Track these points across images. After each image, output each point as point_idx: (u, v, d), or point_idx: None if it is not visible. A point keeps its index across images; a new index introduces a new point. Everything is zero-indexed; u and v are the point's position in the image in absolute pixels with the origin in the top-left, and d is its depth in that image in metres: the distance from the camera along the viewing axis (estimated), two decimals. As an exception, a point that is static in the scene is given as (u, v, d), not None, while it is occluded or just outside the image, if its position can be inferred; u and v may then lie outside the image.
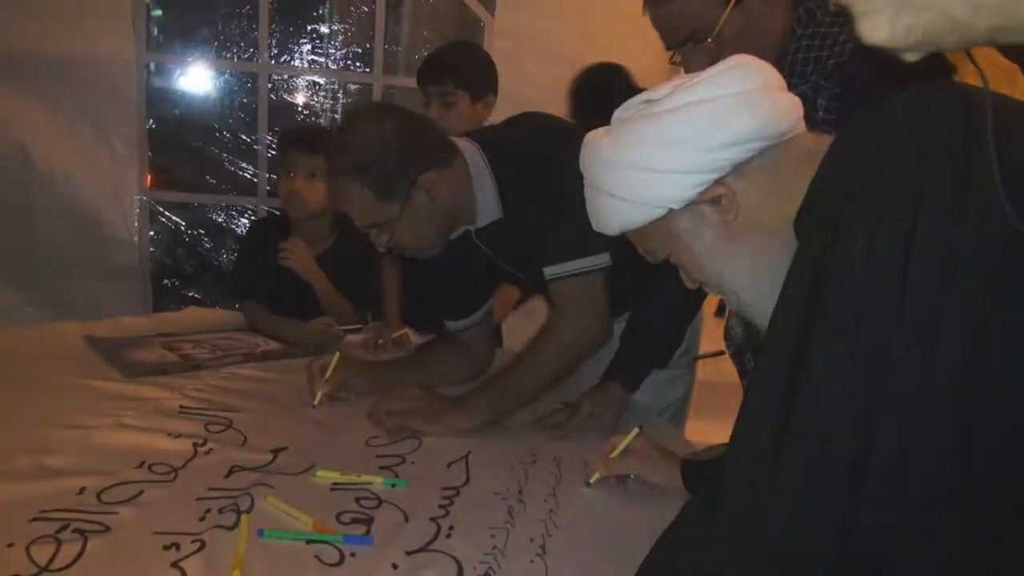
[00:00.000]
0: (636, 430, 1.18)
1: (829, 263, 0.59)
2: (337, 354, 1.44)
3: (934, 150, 0.57)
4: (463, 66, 1.96)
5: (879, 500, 0.55)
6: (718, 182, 0.76)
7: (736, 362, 1.37)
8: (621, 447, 1.17)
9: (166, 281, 3.61)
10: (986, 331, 0.53)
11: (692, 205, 0.78)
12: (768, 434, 0.60)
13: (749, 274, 0.77)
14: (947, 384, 0.54)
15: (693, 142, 0.74)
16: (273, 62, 3.08)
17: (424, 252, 1.39)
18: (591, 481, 1.17)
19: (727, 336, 1.39)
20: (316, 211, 2.02)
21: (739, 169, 0.76)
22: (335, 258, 2.05)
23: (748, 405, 0.64)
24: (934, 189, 0.56)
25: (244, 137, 3.42)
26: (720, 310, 1.42)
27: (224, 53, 3.30)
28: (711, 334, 1.60)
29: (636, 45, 2.82)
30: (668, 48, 1.23)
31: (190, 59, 3.27)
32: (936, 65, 1.15)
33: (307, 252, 2.01)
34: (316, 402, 1.40)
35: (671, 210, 0.78)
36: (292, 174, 1.99)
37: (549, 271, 1.34)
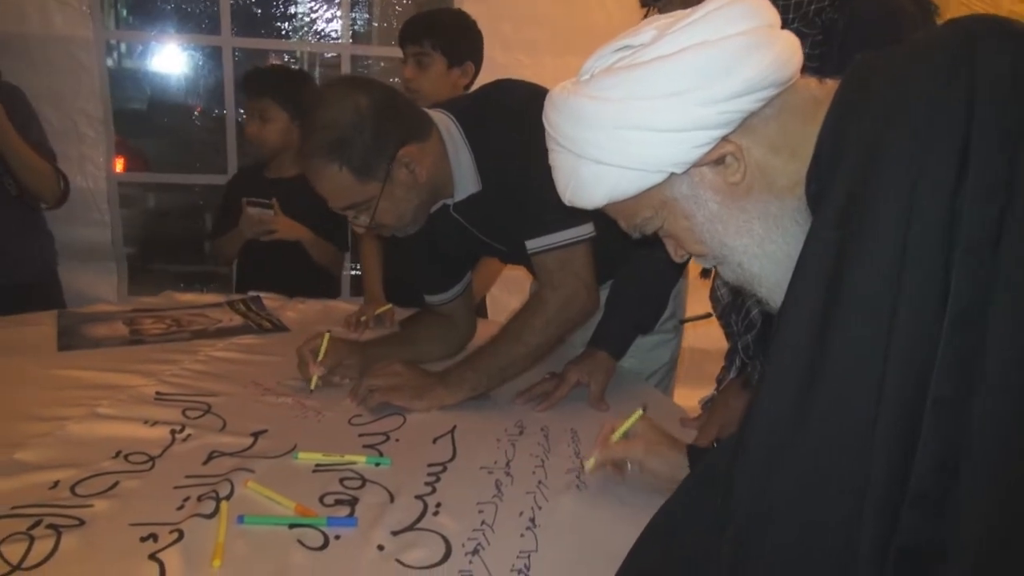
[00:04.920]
0: (639, 412, 1.05)
1: (854, 235, 0.53)
2: (327, 335, 1.40)
3: (980, 100, 0.50)
4: (442, 28, 1.94)
5: (925, 497, 0.51)
6: (725, 139, 0.66)
7: (722, 324, 1.35)
8: (622, 429, 1.04)
9: (142, 262, 3.58)
10: None
11: (693, 167, 0.68)
12: (788, 416, 0.55)
13: (759, 242, 0.68)
14: (998, 376, 0.49)
15: (699, 92, 0.63)
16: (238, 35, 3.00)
17: (404, 230, 1.34)
18: (588, 469, 1.04)
19: (712, 297, 1.37)
20: (275, 149, 2.19)
21: (746, 123, 0.66)
22: (302, 187, 2.04)
23: (765, 390, 0.58)
24: (981, 151, 0.50)
25: (213, 113, 3.36)
26: (705, 271, 1.40)
27: (192, 28, 3.21)
28: (698, 297, 1.58)
29: (611, 3, 2.78)
30: (643, 4, 1.20)
31: (151, 34, 3.18)
32: (922, 5, 1.12)
33: (283, 219, 2.11)
34: (312, 386, 1.35)
35: (672, 175, 0.68)
36: (248, 119, 2.19)
37: (532, 244, 1.30)
